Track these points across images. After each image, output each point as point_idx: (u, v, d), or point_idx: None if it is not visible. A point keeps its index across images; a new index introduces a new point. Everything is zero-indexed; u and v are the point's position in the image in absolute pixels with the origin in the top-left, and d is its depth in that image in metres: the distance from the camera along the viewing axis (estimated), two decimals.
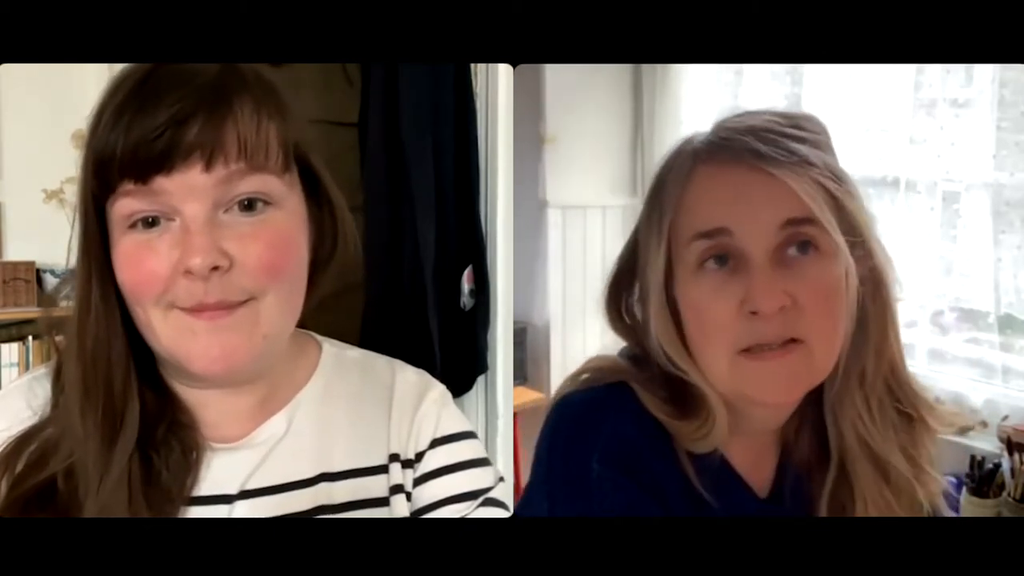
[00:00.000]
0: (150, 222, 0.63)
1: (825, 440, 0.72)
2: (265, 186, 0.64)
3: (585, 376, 0.75)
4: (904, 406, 0.71)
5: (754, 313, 0.65)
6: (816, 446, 0.74)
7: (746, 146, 0.66)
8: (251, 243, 0.63)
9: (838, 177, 0.67)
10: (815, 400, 0.72)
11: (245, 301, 0.64)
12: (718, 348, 0.67)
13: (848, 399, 0.70)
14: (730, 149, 0.67)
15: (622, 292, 0.76)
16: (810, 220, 0.65)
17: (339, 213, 0.72)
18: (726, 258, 0.67)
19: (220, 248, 0.62)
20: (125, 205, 0.62)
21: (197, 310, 0.63)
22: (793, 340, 0.65)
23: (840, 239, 0.65)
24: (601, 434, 0.69)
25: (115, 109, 0.62)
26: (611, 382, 0.72)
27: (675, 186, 0.69)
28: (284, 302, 0.66)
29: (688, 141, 0.71)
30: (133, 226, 0.63)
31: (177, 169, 0.61)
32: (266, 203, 0.64)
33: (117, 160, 0.61)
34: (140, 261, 0.63)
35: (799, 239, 0.65)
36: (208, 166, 0.61)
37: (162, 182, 0.61)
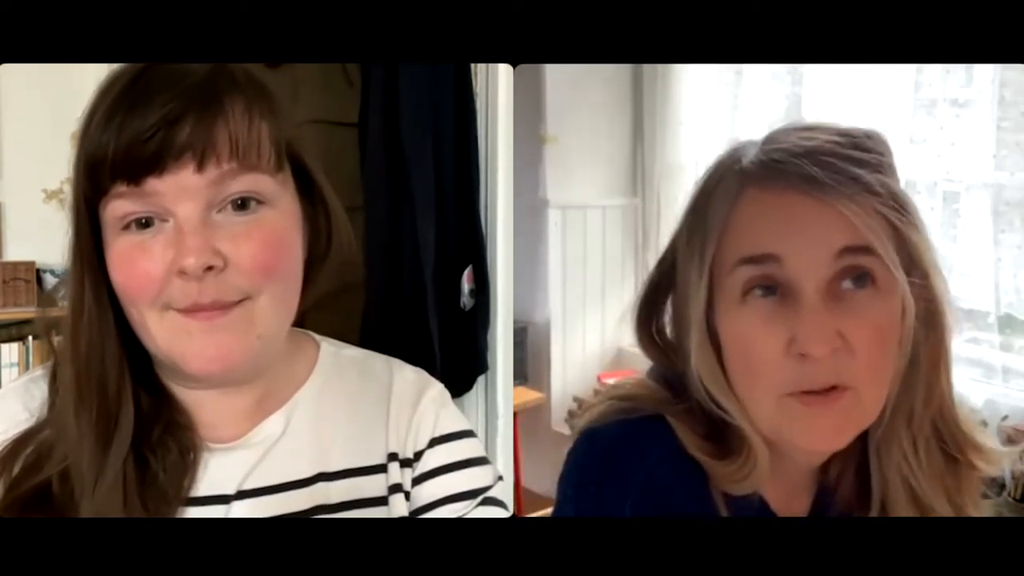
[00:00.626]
0: (143, 223, 0.62)
1: (866, 481, 0.68)
2: (258, 185, 0.64)
3: (613, 403, 0.69)
4: (950, 448, 0.67)
5: (803, 355, 0.60)
6: (857, 487, 0.70)
7: (801, 171, 0.60)
8: (245, 243, 0.63)
9: (902, 206, 0.62)
10: (859, 439, 0.67)
11: (240, 301, 0.63)
12: (765, 388, 0.62)
13: (895, 440, 0.66)
14: (784, 174, 0.61)
15: (653, 313, 0.71)
16: (868, 249, 0.60)
17: (333, 212, 0.71)
18: (773, 288, 0.62)
19: (214, 248, 0.62)
20: (118, 207, 0.62)
21: (192, 311, 0.62)
22: (842, 386, 0.61)
23: (900, 274, 0.60)
24: (635, 477, 0.65)
25: (106, 110, 0.61)
26: (645, 415, 0.67)
27: (721, 208, 0.64)
28: (279, 302, 0.66)
29: (735, 158, 0.65)
30: (126, 227, 0.63)
31: (169, 170, 0.61)
32: (259, 202, 0.64)
33: (109, 162, 0.61)
34: (134, 263, 0.62)
35: (855, 271, 0.60)
36: (200, 166, 0.61)
37: (154, 183, 0.61)
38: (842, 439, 0.64)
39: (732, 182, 0.64)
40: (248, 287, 0.63)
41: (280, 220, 0.66)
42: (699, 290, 0.64)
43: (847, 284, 0.61)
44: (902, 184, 0.65)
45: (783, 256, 0.61)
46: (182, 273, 0.61)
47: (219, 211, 0.63)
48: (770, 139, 0.65)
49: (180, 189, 0.61)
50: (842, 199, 0.59)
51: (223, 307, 0.63)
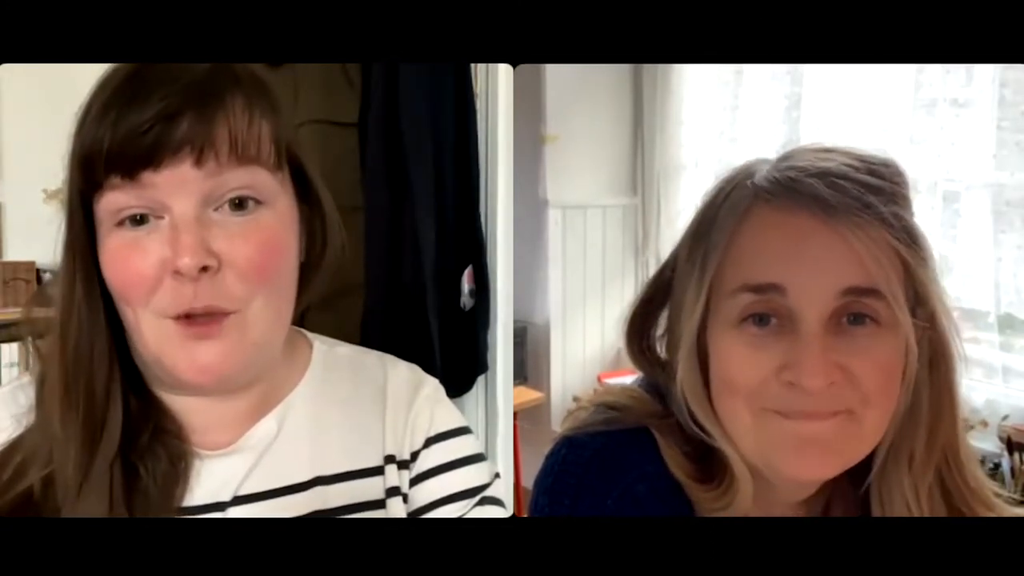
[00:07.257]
0: (138, 220, 0.62)
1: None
2: (256, 182, 0.63)
3: (599, 410, 0.67)
4: (955, 501, 0.63)
5: (793, 384, 0.58)
6: None
7: (814, 192, 0.58)
8: (241, 244, 0.62)
9: (912, 239, 0.59)
10: (852, 483, 0.65)
11: (234, 312, 0.62)
12: (744, 402, 0.60)
13: (896, 486, 0.62)
14: (796, 194, 0.59)
15: (646, 325, 0.69)
16: (874, 291, 0.57)
17: (329, 216, 0.71)
18: (769, 317, 0.59)
19: (209, 248, 0.61)
20: (112, 200, 0.61)
21: (186, 319, 0.61)
22: (840, 410, 0.58)
23: (905, 315, 0.57)
24: (611, 492, 0.62)
25: (103, 104, 0.61)
26: (630, 427, 0.65)
27: (727, 223, 0.61)
28: (273, 307, 0.65)
29: (748, 173, 0.63)
30: (121, 224, 0.62)
31: (166, 164, 0.60)
32: (257, 202, 0.63)
33: (104, 155, 0.60)
34: (127, 260, 0.62)
35: (858, 310, 0.58)
36: (199, 161, 0.60)
37: (150, 177, 0.60)
38: (830, 468, 0.61)
39: (741, 197, 0.62)
40: (242, 292, 0.62)
41: (277, 222, 0.65)
42: (695, 309, 0.62)
43: (847, 320, 0.59)
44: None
45: (787, 287, 0.58)
46: (176, 274, 0.60)
47: (216, 209, 0.62)
48: (786, 156, 0.63)
49: (177, 183, 0.60)
50: (853, 228, 0.57)
51: (217, 316, 0.62)
